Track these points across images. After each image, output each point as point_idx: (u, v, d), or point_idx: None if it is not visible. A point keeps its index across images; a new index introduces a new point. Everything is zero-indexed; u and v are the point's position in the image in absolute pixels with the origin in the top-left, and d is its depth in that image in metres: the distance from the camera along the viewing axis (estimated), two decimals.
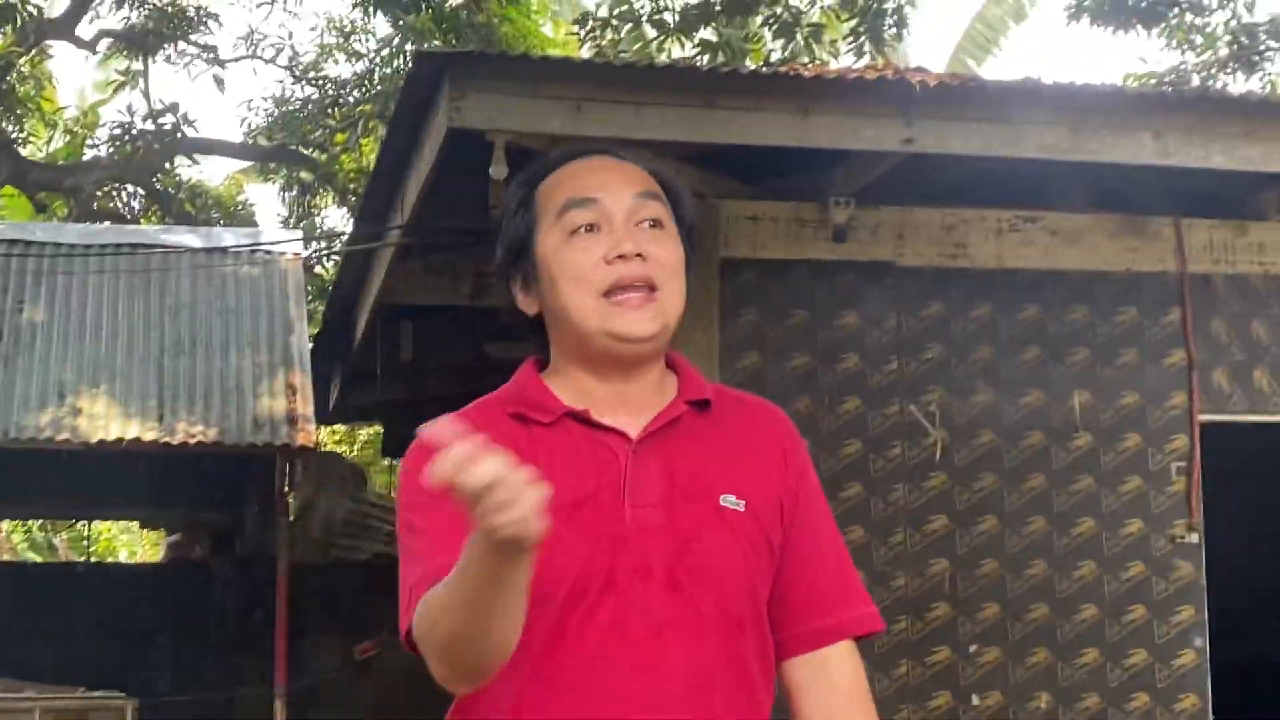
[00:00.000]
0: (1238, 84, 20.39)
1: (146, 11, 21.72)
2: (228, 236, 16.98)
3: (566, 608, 2.51)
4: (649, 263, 2.63)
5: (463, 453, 2.12)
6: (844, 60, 18.17)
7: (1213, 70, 20.14)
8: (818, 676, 2.71)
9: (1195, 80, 19.82)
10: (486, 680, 2.41)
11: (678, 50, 18.97)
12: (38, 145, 24.58)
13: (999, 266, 9.60)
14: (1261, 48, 19.90)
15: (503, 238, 2.76)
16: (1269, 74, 21.11)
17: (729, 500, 2.63)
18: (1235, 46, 19.72)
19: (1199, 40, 19.99)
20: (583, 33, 19.52)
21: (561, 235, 2.65)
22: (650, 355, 2.69)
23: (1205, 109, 9.04)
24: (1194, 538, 9.53)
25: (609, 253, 2.62)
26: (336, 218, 25.31)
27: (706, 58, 17.82)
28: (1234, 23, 19.64)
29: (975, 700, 9.28)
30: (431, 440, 2.18)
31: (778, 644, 2.72)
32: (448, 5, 20.33)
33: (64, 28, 21.45)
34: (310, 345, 15.25)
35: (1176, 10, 18.81)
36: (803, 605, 2.72)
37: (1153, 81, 19.63)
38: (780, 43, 18.74)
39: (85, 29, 21.83)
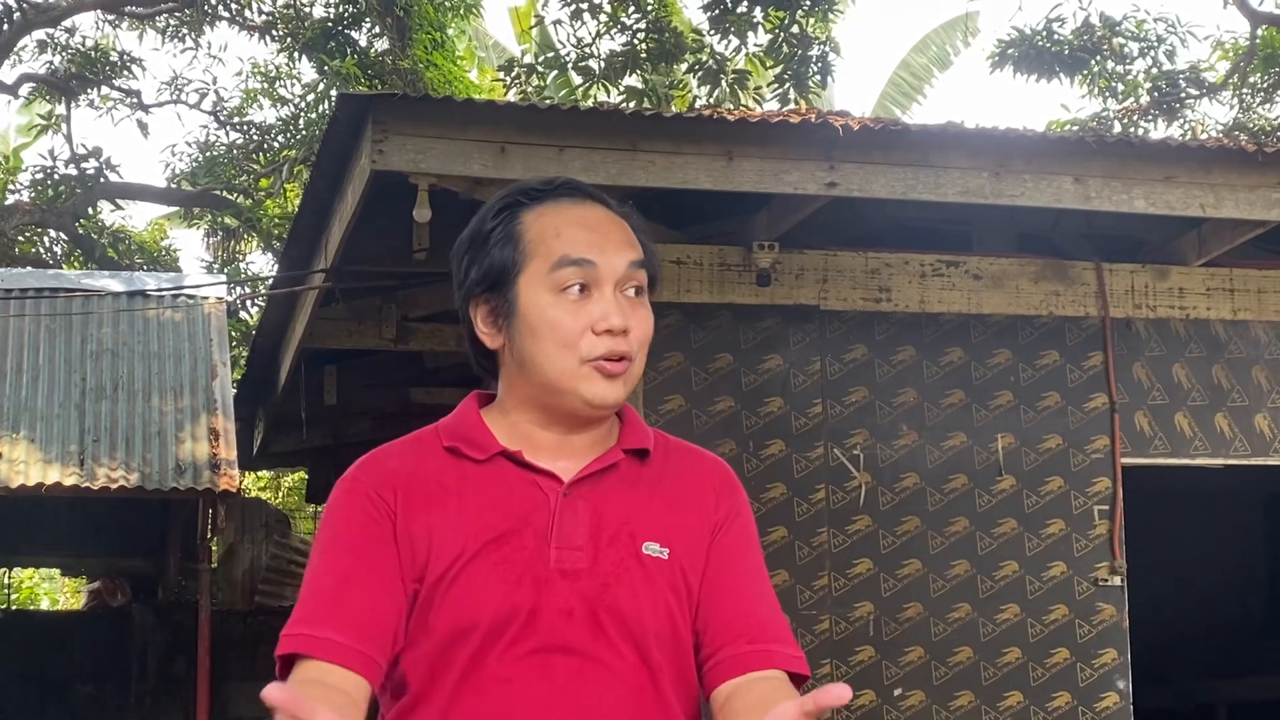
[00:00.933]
0: (1159, 130, 20.62)
1: (69, 56, 21.62)
2: (150, 281, 16.86)
3: (486, 642, 2.51)
4: (630, 336, 2.63)
5: None
6: (769, 107, 18.18)
7: (1134, 117, 20.34)
8: (747, 692, 2.57)
9: (1117, 127, 20.00)
10: None
11: (603, 96, 18.99)
12: None
13: (922, 310, 9.64)
14: (1182, 95, 20.11)
15: (478, 261, 2.67)
16: (1189, 120, 21.36)
17: (651, 548, 2.63)
18: (1156, 94, 19.92)
19: (1120, 88, 20.19)
20: (508, 79, 19.53)
21: (552, 291, 2.61)
22: (607, 416, 2.70)
23: (1126, 154, 9.10)
24: (1116, 580, 9.57)
25: (598, 323, 2.60)
26: (261, 263, 25.22)
27: (632, 104, 17.82)
28: (1155, 70, 19.85)
29: None
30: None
31: (705, 675, 2.66)
32: (373, 51, 20.33)
33: None
34: (233, 390, 15.17)
35: (1098, 58, 18.97)
36: (724, 634, 2.65)
37: (1075, 128, 19.77)
38: (706, 89, 18.77)
39: (7, 73, 21.75)
